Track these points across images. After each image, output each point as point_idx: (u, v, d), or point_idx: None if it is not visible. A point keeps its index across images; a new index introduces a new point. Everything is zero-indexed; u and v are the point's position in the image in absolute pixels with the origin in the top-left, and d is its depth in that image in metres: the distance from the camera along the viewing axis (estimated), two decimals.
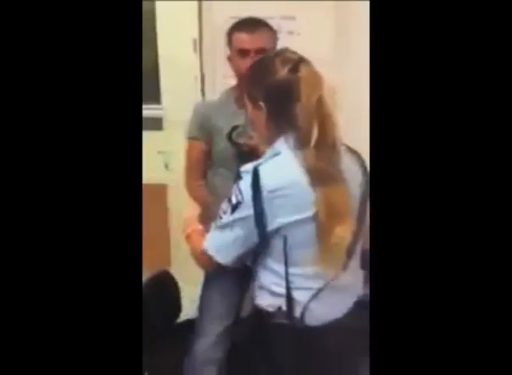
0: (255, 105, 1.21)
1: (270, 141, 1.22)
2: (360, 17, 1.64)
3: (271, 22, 1.69)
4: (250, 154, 1.53)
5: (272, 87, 1.17)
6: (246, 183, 1.18)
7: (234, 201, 1.21)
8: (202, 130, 1.74)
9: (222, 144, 1.69)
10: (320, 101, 1.13)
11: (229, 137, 1.66)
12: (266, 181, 1.17)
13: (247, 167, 1.21)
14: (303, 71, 1.14)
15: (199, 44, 2.20)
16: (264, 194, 1.16)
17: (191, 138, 1.78)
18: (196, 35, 2.20)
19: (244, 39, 1.62)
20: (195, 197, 1.79)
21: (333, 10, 2.05)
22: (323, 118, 1.14)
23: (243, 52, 1.61)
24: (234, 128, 1.66)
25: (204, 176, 1.80)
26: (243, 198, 1.19)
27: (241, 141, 1.65)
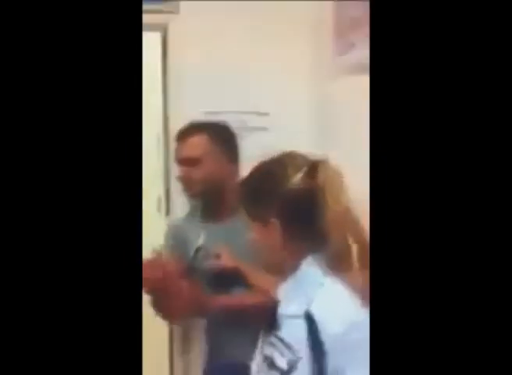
0: (265, 224, 0.96)
1: (292, 264, 0.95)
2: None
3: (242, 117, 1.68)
4: (224, 276, 1.49)
5: (286, 198, 0.94)
6: (297, 333, 0.87)
7: (283, 363, 0.87)
8: (176, 244, 1.65)
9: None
10: (348, 209, 0.93)
11: (194, 261, 1.55)
12: (326, 326, 0.86)
13: (292, 311, 0.91)
14: (322, 175, 0.93)
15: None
16: (327, 343, 0.85)
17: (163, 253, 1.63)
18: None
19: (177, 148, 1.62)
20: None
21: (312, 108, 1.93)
22: (354, 227, 0.92)
23: (181, 162, 1.60)
24: (197, 250, 1.55)
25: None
26: (297, 354, 0.86)
27: (207, 263, 1.53)
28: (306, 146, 1.02)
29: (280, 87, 1.91)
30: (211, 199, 1.61)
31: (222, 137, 1.62)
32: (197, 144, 1.59)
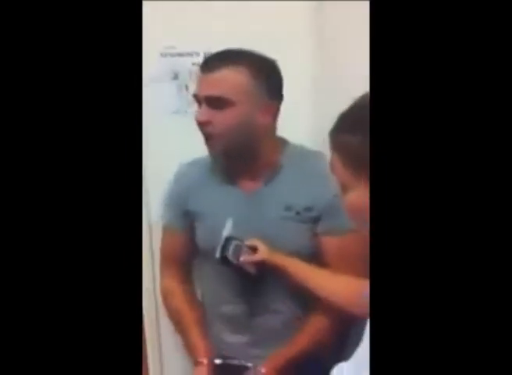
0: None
1: None
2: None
3: None
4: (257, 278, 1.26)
5: None
6: None
7: None
8: (178, 217, 1.38)
9: (206, 233, 1.33)
10: None
11: (223, 256, 1.22)
12: None
13: None
14: None
15: None
16: None
17: (167, 227, 1.41)
18: None
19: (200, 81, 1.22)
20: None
21: None
22: None
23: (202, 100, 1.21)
24: (227, 240, 1.23)
25: (188, 276, 1.45)
26: None
27: (241, 258, 1.22)
28: None
29: None
30: (243, 155, 1.26)
31: (264, 71, 1.22)
32: (232, 79, 1.19)
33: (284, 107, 1.29)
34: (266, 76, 1.22)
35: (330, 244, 1.28)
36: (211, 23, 1.47)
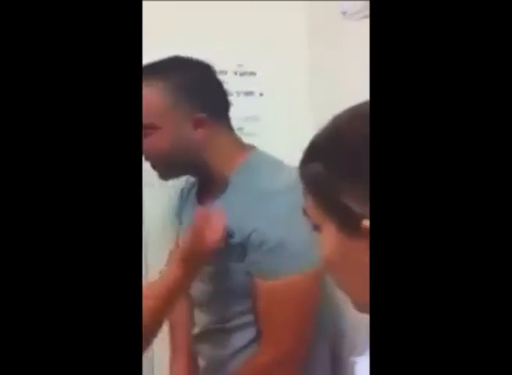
0: None
1: None
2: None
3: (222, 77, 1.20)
4: None
5: None
6: None
7: None
8: None
9: None
10: None
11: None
12: None
13: None
14: None
15: None
16: None
17: None
18: None
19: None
20: None
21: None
22: None
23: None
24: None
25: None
26: None
27: None
28: None
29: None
30: (197, 173, 1.22)
31: (186, 82, 1.11)
32: (149, 101, 1.05)
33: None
34: (189, 87, 1.11)
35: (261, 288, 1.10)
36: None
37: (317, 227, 0.70)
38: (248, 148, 1.20)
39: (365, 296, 0.69)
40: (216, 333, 1.23)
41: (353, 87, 1.33)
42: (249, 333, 1.18)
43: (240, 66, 1.53)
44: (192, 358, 1.35)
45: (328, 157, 0.67)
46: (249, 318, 1.17)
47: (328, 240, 0.69)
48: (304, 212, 0.71)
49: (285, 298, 1.08)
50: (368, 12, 1.24)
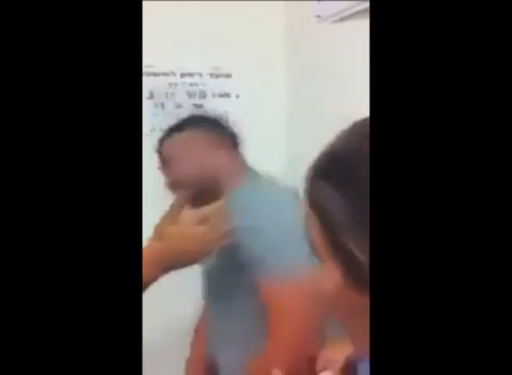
0: None
1: None
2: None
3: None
4: None
5: None
6: None
7: None
8: None
9: None
10: None
11: None
12: None
13: None
14: None
15: None
16: None
17: None
18: None
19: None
20: None
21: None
22: None
23: None
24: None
25: None
26: None
27: None
28: None
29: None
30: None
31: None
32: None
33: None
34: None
35: None
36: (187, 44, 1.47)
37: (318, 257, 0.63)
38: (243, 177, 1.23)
39: (366, 344, 0.63)
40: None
41: (331, 87, 1.37)
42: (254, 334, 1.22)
43: (216, 68, 1.55)
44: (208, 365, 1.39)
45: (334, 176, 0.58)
46: (254, 318, 1.21)
47: (332, 274, 0.62)
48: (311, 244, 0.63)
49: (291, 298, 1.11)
50: (342, 15, 1.26)
